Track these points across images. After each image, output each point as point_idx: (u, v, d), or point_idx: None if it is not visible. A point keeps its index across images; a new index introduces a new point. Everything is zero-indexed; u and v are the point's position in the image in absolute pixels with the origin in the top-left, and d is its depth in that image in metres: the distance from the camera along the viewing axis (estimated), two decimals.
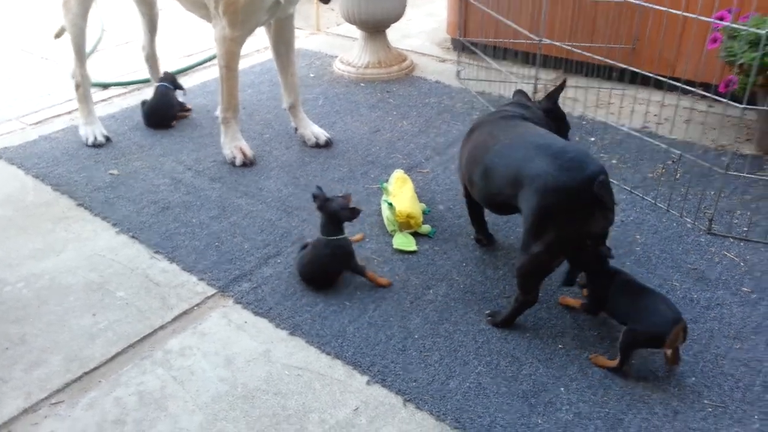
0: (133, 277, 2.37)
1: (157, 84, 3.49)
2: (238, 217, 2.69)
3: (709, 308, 2.16)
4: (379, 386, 1.92)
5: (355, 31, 4.13)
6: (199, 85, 3.93)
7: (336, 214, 2.25)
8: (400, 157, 3.12)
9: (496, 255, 2.45)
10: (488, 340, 2.07)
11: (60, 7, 3.15)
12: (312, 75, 4.05)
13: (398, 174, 2.76)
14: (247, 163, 3.05)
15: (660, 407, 1.83)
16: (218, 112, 3.10)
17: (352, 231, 2.51)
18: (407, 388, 1.91)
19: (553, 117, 2.33)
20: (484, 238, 2.49)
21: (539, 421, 1.80)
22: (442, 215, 2.68)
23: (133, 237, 2.58)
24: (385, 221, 2.59)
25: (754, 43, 2.70)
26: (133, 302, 2.26)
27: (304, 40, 4.63)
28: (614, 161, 3.01)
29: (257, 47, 4.34)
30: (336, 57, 4.21)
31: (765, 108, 2.79)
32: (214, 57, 4.08)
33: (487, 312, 2.16)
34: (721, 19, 2.71)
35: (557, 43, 3.16)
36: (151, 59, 3.65)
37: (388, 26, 4.05)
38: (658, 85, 2.82)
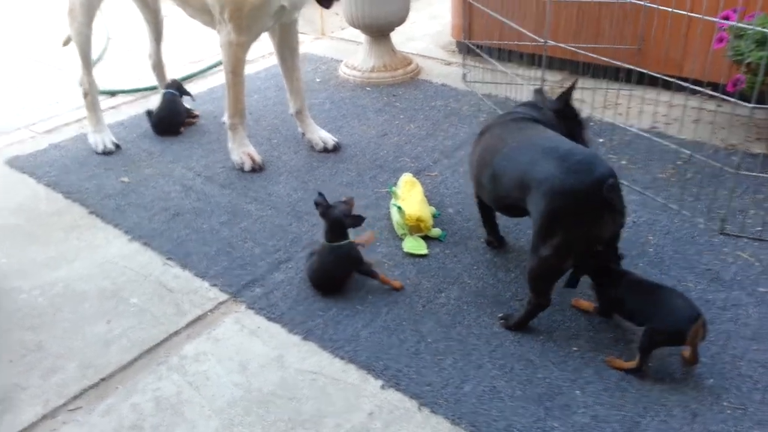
0: (146, 284, 2.38)
1: (164, 91, 3.50)
2: (249, 223, 2.70)
3: (725, 309, 2.16)
4: (393, 390, 1.93)
5: (360, 35, 4.14)
6: (205, 91, 3.94)
7: (339, 221, 2.25)
8: (408, 161, 3.12)
9: (508, 257, 2.45)
10: (502, 344, 2.07)
11: (66, 16, 3.17)
12: (318, 80, 4.07)
13: (407, 177, 2.76)
14: (256, 169, 3.06)
15: (678, 409, 1.83)
16: (225, 118, 3.12)
17: (361, 232, 2.51)
18: (422, 392, 1.91)
19: (565, 118, 2.32)
20: (495, 241, 2.49)
21: (555, 425, 1.80)
22: (452, 218, 2.68)
23: (145, 244, 2.59)
24: (395, 225, 2.59)
25: (761, 42, 2.70)
26: (147, 309, 2.27)
27: (309, 44, 4.64)
28: (624, 162, 3.00)
29: (262, 53, 4.35)
30: (341, 61, 4.23)
31: None
32: (219, 63, 4.09)
33: (500, 315, 2.16)
34: (727, 18, 2.71)
35: (562, 45, 3.16)
36: (158, 66, 3.66)
37: (392, 30, 4.06)
38: (666, 86, 2.82)
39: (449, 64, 4.25)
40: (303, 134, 3.30)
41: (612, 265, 2.03)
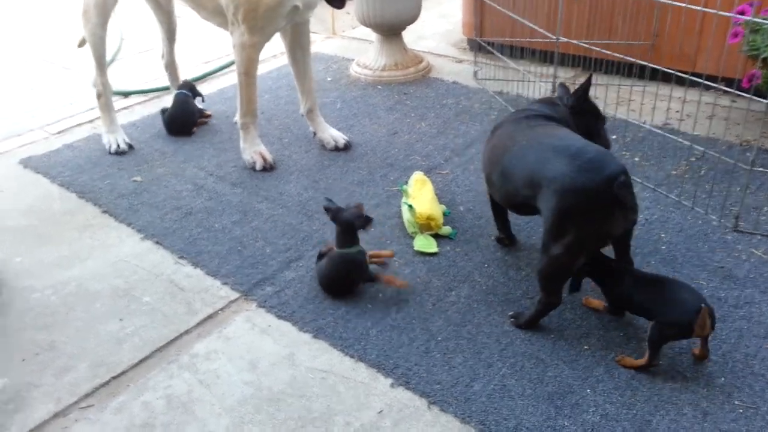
0: (158, 283, 2.40)
1: (176, 92, 3.53)
2: (260, 222, 2.71)
3: (738, 307, 2.13)
4: (403, 389, 1.92)
5: (371, 34, 4.14)
6: (217, 91, 3.97)
7: (350, 224, 2.25)
8: (419, 159, 3.12)
9: (518, 256, 2.43)
10: (512, 342, 2.06)
11: (80, 17, 3.21)
12: (329, 79, 4.07)
13: (417, 176, 2.76)
14: (268, 168, 3.07)
15: (689, 408, 1.81)
16: (237, 118, 3.13)
17: (373, 235, 2.52)
18: (431, 391, 1.91)
19: (584, 113, 2.27)
20: (507, 238, 2.48)
21: (566, 423, 1.79)
22: (463, 216, 2.67)
23: (157, 243, 2.61)
24: (406, 224, 2.59)
25: None
26: (158, 307, 2.29)
27: (320, 43, 4.65)
28: (637, 159, 2.98)
29: (273, 52, 4.37)
30: (352, 60, 4.23)
31: None
32: (231, 63, 4.12)
33: (511, 313, 2.15)
34: (742, 13, 2.67)
35: (574, 42, 3.14)
36: (171, 67, 3.70)
37: (404, 28, 4.05)
38: (680, 81, 2.79)
39: (460, 61, 4.24)
40: (314, 133, 3.31)
41: (613, 264, 2.02)
